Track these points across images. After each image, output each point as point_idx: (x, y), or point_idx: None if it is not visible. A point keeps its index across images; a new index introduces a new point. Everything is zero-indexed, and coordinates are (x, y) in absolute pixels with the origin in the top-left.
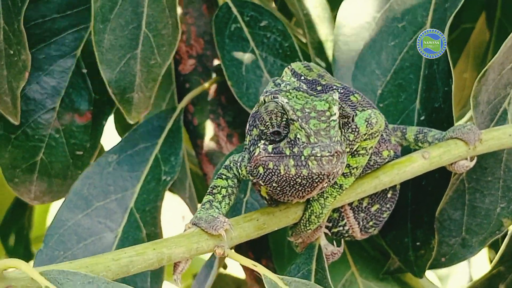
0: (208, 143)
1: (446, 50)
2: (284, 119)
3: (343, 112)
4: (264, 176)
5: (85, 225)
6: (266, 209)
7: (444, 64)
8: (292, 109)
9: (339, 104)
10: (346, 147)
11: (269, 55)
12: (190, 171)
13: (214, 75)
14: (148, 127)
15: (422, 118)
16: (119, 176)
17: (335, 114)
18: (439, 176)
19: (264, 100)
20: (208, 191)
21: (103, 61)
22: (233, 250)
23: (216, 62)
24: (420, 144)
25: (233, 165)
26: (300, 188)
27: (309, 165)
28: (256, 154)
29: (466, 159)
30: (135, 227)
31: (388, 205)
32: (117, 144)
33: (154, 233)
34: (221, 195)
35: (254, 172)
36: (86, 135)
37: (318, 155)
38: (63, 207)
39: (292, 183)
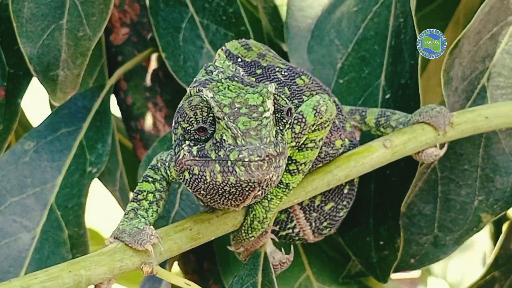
0: (143, 125)
1: (412, 16)
2: (211, 114)
3: (277, 105)
4: (191, 182)
5: None
6: (201, 215)
7: (411, 33)
8: (219, 105)
9: (276, 96)
10: (289, 143)
11: (211, 22)
12: (123, 156)
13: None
14: (72, 108)
15: (388, 96)
16: (37, 167)
17: (268, 109)
18: (406, 165)
19: (190, 93)
20: (132, 197)
21: (23, 33)
22: (161, 268)
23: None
24: (382, 130)
25: (161, 165)
26: (230, 197)
27: (236, 172)
28: (180, 157)
29: (435, 146)
30: (56, 226)
31: (344, 202)
32: (35, 128)
33: (78, 235)
34: (148, 202)
35: (180, 177)
36: None
37: (246, 160)
38: None
39: (220, 191)
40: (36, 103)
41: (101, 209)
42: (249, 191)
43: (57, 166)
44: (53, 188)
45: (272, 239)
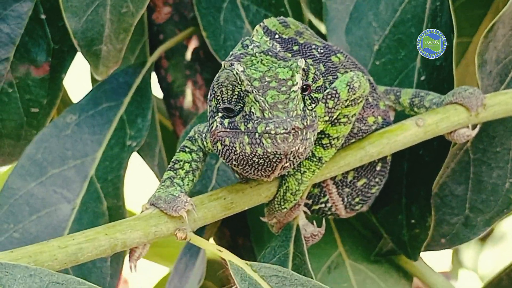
0: (183, 103)
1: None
2: (236, 91)
3: (304, 83)
4: (223, 152)
5: (38, 194)
6: (235, 186)
7: (447, 16)
8: (249, 78)
9: (305, 71)
10: (323, 117)
11: (251, 3)
12: (162, 135)
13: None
14: (113, 84)
15: (423, 78)
16: (79, 140)
17: (296, 83)
18: (438, 146)
19: (224, 66)
20: (169, 166)
21: (68, 8)
22: (194, 234)
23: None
24: (416, 110)
25: (198, 136)
26: (259, 167)
27: (263, 143)
28: (213, 128)
29: (467, 127)
30: (95, 198)
31: (377, 179)
32: (77, 102)
33: (116, 206)
34: (184, 171)
35: (214, 147)
36: (42, 90)
37: (272, 132)
38: (14, 174)
39: (250, 162)
40: (76, 79)
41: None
42: (277, 162)
43: (97, 140)
44: (93, 160)
45: (304, 212)
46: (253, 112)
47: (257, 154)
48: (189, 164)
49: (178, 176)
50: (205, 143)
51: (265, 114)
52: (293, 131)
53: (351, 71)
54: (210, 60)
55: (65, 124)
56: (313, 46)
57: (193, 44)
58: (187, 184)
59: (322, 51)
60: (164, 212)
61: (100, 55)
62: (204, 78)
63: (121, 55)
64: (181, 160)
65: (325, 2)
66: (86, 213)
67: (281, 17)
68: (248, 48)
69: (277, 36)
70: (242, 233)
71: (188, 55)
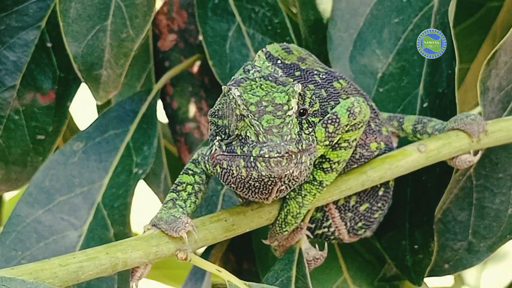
0: (188, 129)
1: (450, 27)
2: (234, 115)
3: (300, 107)
4: (222, 175)
5: (46, 222)
6: (237, 208)
7: (449, 43)
8: (245, 103)
9: (301, 95)
10: (323, 142)
11: (256, 32)
12: (167, 161)
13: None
14: (120, 111)
15: (425, 105)
16: (85, 167)
17: (292, 108)
18: (441, 172)
19: (224, 91)
20: (172, 188)
21: (69, 33)
22: (195, 255)
23: (200, 38)
24: (418, 136)
25: (201, 159)
26: (256, 190)
27: (258, 167)
28: (212, 151)
29: (469, 153)
30: (102, 225)
31: (379, 204)
32: (84, 130)
33: (123, 233)
34: (186, 193)
35: (214, 170)
36: (49, 117)
37: (266, 156)
38: (22, 202)
39: (246, 185)
40: (82, 107)
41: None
42: (272, 186)
43: (104, 167)
44: (100, 188)
45: (307, 236)
46: (248, 136)
47: (253, 177)
48: (191, 186)
49: (181, 198)
50: (207, 165)
51: (259, 138)
52: (286, 155)
53: (352, 96)
54: (215, 86)
55: (72, 152)
56: (315, 72)
57: (198, 71)
58: (189, 206)
59: (324, 77)
60: (165, 232)
61: (100, 80)
62: (209, 105)
63: (121, 80)
64: (184, 182)
65: (329, 30)
66: (93, 240)
67: (284, 43)
68: (249, 73)
69: (279, 61)
70: (247, 257)
71: (193, 82)
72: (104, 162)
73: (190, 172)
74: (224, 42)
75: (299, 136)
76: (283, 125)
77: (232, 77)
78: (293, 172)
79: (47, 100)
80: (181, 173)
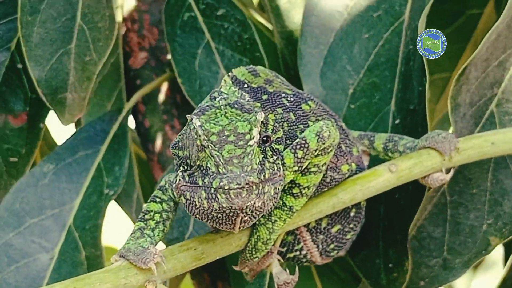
0: (160, 148)
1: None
2: (195, 146)
3: (263, 134)
4: (186, 206)
5: (17, 245)
6: (206, 236)
7: (420, 59)
8: (206, 133)
9: (264, 123)
10: (292, 167)
11: (226, 48)
12: (140, 181)
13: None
14: (90, 132)
15: (397, 121)
16: (56, 189)
17: (253, 137)
18: (413, 189)
19: (188, 120)
20: (139, 216)
21: (32, 57)
22: (164, 286)
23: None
24: (390, 154)
25: (169, 186)
26: (219, 221)
27: (218, 198)
28: (176, 182)
29: (441, 171)
30: (74, 247)
31: (351, 225)
32: (54, 151)
33: (94, 256)
34: (154, 222)
35: (180, 200)
36: (21, 139)
37: (226, 187)
38: None
39: (209, 216)
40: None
41: (120, 226)
42: (234, 217)
43: (75, 188)
44: (71, 209)
45: (278, 260)
46: (209, 167)
47: (214, 208)
48: (159, 215)
49: (149, 227)
50: (175, 193)
51: (219, 169)
52: (247, 186)
53: (322, 119)
54: (187, 104)
55: (42, 174)
56: (283, 95)
57: (170, 89)
58: (158, 235)
59: (292, 99)
60: (134, 264)
61: (65, 103)
62: (181, 123)
63: (85, 103)
64: (152, 211)
65: (300, 47)
66: (64, 262)
67: (251, 66)
68: (215, 100)
69: (246, 85)
70: (222, 277)
71: (165, 100)
72: (75, 184)
73: (158, 199)
74: (193, 59)
75: (261, 166)
76: (244, 156)
77: (199, 105)
78: (255, 203)
79: (19, 122)
80: (149, 200)
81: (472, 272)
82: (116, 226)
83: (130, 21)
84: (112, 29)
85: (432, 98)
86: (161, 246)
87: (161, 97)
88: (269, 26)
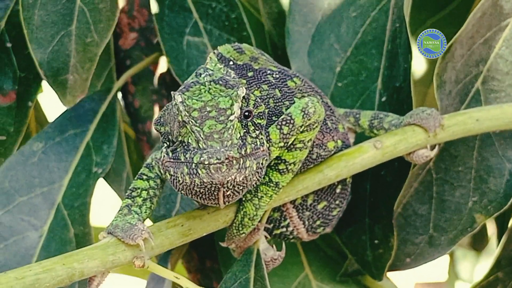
0: (150, 128)
1: (406, 21)
2: (177, 122)
3: (244, 109)
4: (171, 181)
5: (6, 222)
6: (193, 212)
7: (405, 37)
8: (188, 109)
9: (245, 98)
10: (277, 143)
11: (214, 27)
12: (130, 160)
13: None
14: (79, 111)
15: (384, 99)
16: (45, 167)
17: (234, 112)
18: (399, 166)
19: (172, 97)
20: (126, 194)
21: (34, 39)
22: (152, 262)
23: None
24: (375, 131)
25: (155, 163)
26: (203, 196)
27: (199, 174)
28: (161, 158)
29: (426, 148)
30: (63, 225)
31: (337, 202)
32: (43, 130)
33: (83, 233)
34: (141, 199)
35: (165, 176)
36: (9, 117)
37: (206, 162)
38: None
39: (192, 191)
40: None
41: (110, 206)
42: (216, 191)
43: (64, 167)
44: (60, 188)
45: (265, 236)
46: (190, 143)
47: (196, 184)
48: (146, 192)
49: (136, 204)
50: (162, 170)
51: (200, 144)
52: (227, 161)
53: (308, 95)
54: (176, 84)
55: (32, 152)
56: (268, 72)
57: (159, 69)
58: (145, 212)
59: (277, 76)
60: (122, 240)
61: (66, 85)
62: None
63: (87, 84)
64: (139, 188)
65: (287, 25)
66: (53, 240)
67: (236, 43)
68: (200, 76)
69: (231, 63)
70: (210, 255)
71: (155, 80)
72: (64, 162)
73: (145, 177)
74: (181, 39)
75: (242, 141)
76: (225, 131)
77: (184, 82)
78: (235, 177)
79: (7, 101)
80: (135, 178)
81: (475, 257)
82: (106, 207)
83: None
84: (113, 10)
85: (425, 81)
86: (148, 223)
87: (151, 77)
88: (257, 7)
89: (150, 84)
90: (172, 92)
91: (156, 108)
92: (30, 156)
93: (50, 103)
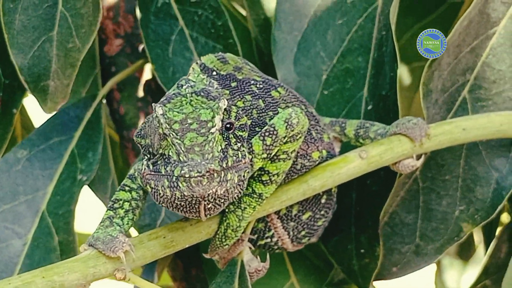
0: None
1: (392, 30)
2: (158, 134)
3: (226, 122)
4: (151, 194)
5: None
6: (175, 224)
7: (391, 45)
8: (168, 121)
9: (227, 110)
10: (261, 154)
11: (200, 35)
12: (116, 167)
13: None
14: (64, 118)
15: (370, 107)
16: (30, 175)
17: (215, 125)
18: (385, 176)
19: (153, 109)
20: (108, 205)
21: (14, 44)
22: (134, 274)
23: None
24: (361, 141)
25: (138, 174)
26: (183, 209)
27: (180, 187)
28: (142, 170)
29: (412, 157)
30: (47, 233)
31: (322, 212)
32: (28, 137)
33: (67, 241)
34: (124, 210)
35: (147, 188)
36: None
37: (186, 175)
38: None
39: (173, 204)
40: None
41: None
42: (196, 205)
43: (48, 174)
44: (44, 195)
45: (249, 247)
46: (170, 155)
47: (177, 197)
48: (128, 203)
49: (118, 216)
50: (142, 182)
51: (180, 157)
52: (207, 173)
53: (292, 105)
54: (161, 91)
55: (16, 159)
56: (252, 82)
57: (144, 76)
58: (127, 224)
59: (261, 86)
60: (102, 253)
61: (47, 91)
62: None
63: (69, 90)
64: (121, 199)
65: (273, 32)
66: (37, 248)
67: (220, 53)
68: (182, 88)
69: (214, 73)
70: (195, 264)
71: (140, 87)
72: (49, 170)
73: (127, 188)
74: (167, 46)
75: (224, 153)
76: (205, 143)
77: (167, 93)
78: (216, 191)
79: None
80: (118, 189)
81: (462, 266)
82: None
83: (106, 8)
84: (96, 15)
85: (411, 87)
86: (133, 232)
87: (136, 84)
88: (244, 13)
89: (135, 91)
90: (153, 104)
91: (142, 115)
92: (14, 164)
93: (36, 108)
